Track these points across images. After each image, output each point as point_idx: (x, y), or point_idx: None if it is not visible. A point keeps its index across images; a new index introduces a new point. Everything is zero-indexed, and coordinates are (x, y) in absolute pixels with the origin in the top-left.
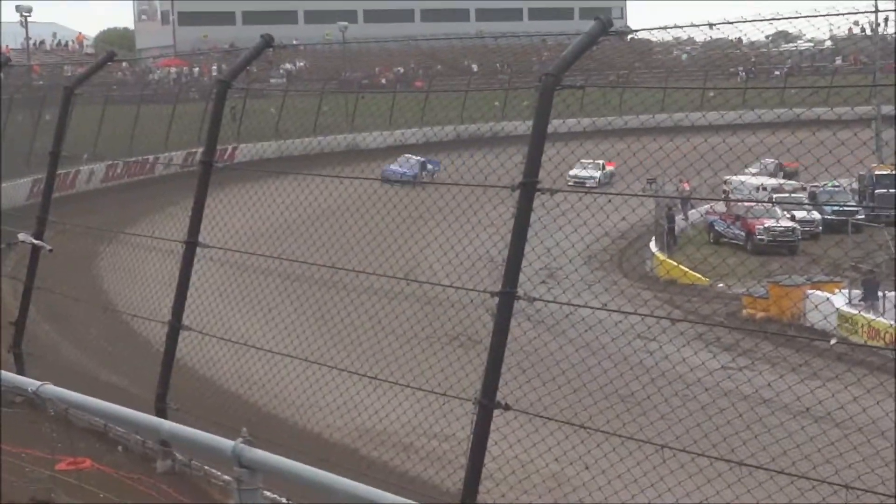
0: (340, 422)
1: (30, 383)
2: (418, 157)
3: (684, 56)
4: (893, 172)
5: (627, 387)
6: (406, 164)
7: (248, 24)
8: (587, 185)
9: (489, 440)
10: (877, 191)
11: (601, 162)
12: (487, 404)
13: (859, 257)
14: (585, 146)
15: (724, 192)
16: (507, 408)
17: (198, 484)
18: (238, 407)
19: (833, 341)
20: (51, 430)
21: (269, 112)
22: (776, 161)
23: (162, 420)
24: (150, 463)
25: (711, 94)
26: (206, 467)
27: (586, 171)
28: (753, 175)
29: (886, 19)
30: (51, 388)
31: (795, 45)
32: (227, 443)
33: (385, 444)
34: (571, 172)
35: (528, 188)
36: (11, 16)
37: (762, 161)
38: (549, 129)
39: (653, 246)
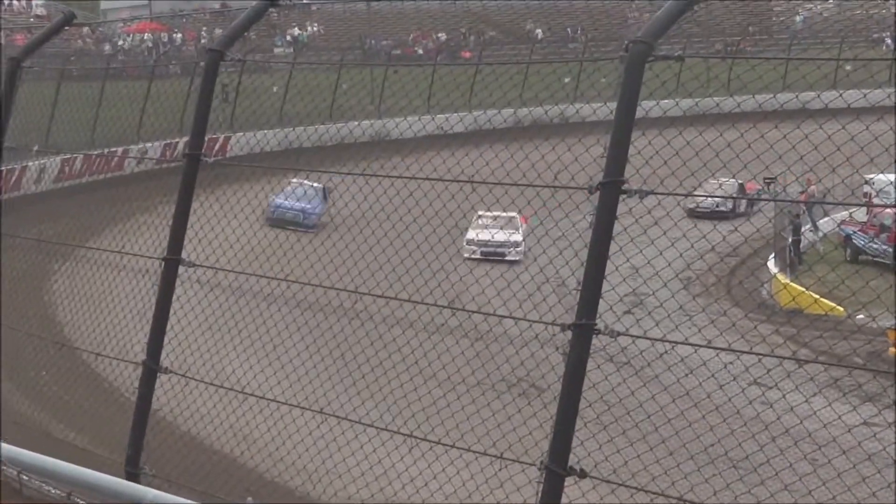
0: (365, 493)
1: None
2: (316, 184)
3: (800, 18)
4: None
5: (740, 448)
6: (296, 196)
7: None
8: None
9: None
10: None
11: (736, 181)
12: (557, 470)
13: None
14: (686, 135)
15: (866, 195)
16: (582, 475)
17: None
18: (233, 473)
19: None
20: None
21: (272, 91)
22: None
23: (146, 488)
24: None
25: (849, 67)
26: None
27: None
28: None
29: None
30: (6, 448)
31: None
32: None
33: None
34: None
35: (611, 189)
36: None
37: None
38: (638, 112)
39: (772, 265)
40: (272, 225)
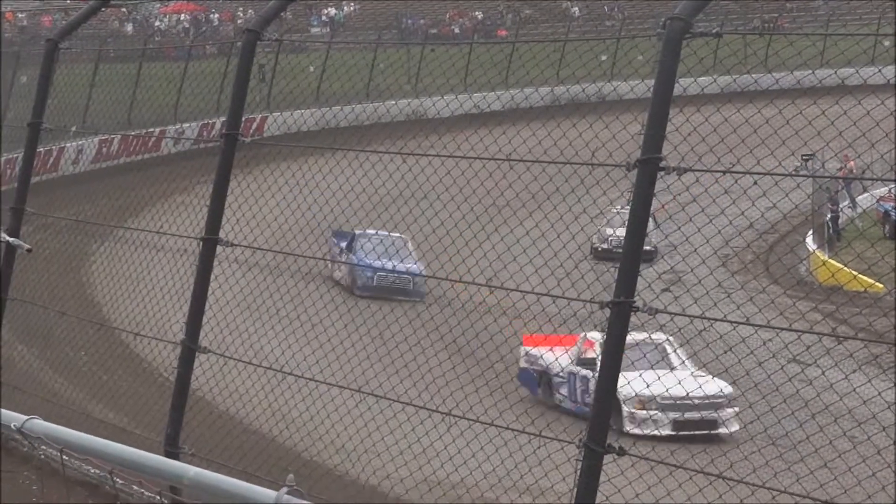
0: (404, 471)
1: (14, 418)
2: (397, 234)
3: None
4: None
5: (780, 425)
6: (380, 250)
7: None
8: None
9: (598, 495)
10: None
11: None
12: (596, 448)
13: None
14: (724, 111)
15: None
16: (621, 452)
17: None
18: (272, 452)
19: None
20: (31, 481)
21: (309, 70)
22: None
23: (187, 465)
24: None
25: (887, 42)
26: None
27: None
28: None
29: None
30: (40, 424)
31: None
32: (268, 494)
33: (462, 501)
34: None
35: (649, 167)
36: None
37: None
38: (676, 89)
39: (810, 242)
40: (368, 295)
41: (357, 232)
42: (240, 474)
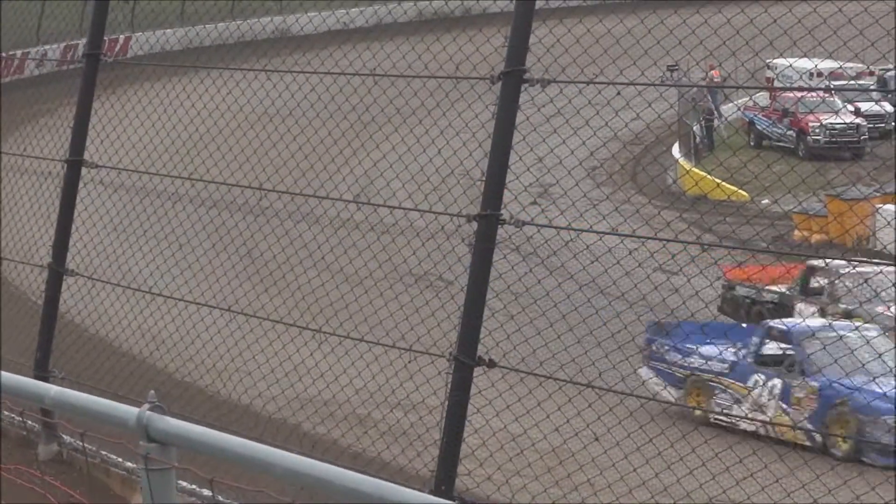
0: (276, 389)
1: None
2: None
3: None
4: None
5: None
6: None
7: None
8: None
9: (469, 408)
10: None
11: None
12: (466, 361)
13: None
14: (587, 22)
15: (768, 79)
16: (491, 364)
17: (92, 474)
18: (142, 374)
19: None
20: None
21: None
22: None
23: (48, 385)
24: (29, 449)
25: None
26: (104, 452)
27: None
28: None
29: None
30: None
31: None
32: (130, 410)
33: (334, 418)
34: None
35: (513, 79)
36: None
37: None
38: (538, 2)
39: (676, 152)
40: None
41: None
42: (111, 396)
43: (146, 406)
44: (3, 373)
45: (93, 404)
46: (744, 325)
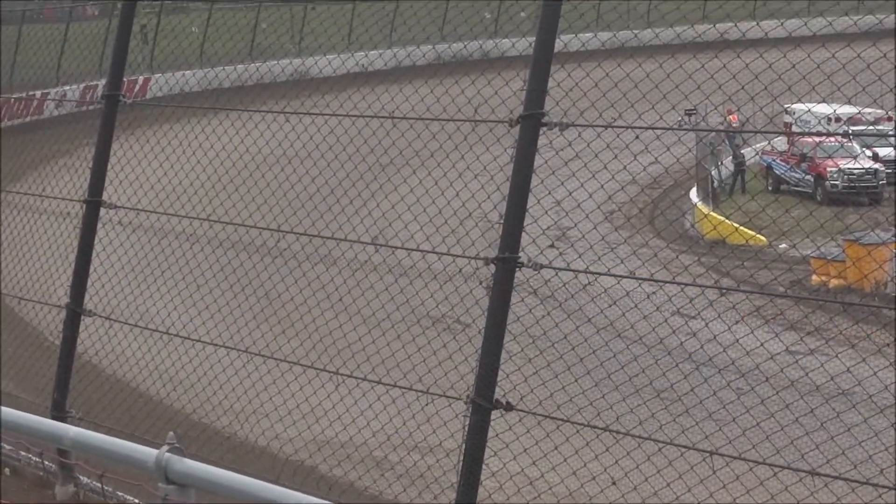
0: (293, 431)
1: None
2: None
3: None
4: None
5: (664, 378)
6: None
7: None
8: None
9: (486, 451)
10: None
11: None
12: (483, 404)
13: None
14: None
15: (786, 124)
16: (508, 407)
17: None
18: (159, 414)
19: None
20: None
21: (191, 31)
22: None
23: (67, 426)
24: (46, 489)
25: None
26: (120, 493)
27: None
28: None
29: None
30: None
31: None
32: (149, 452)
33: (351, 460)
34: None
35: (532, 122)
36: None
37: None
38: (557, 45)
39: (693, 196)
40: None
41: None
42: (127, 437)
43: (165, 448)
44: (23, 413)
45: (112, 445)
46: None
